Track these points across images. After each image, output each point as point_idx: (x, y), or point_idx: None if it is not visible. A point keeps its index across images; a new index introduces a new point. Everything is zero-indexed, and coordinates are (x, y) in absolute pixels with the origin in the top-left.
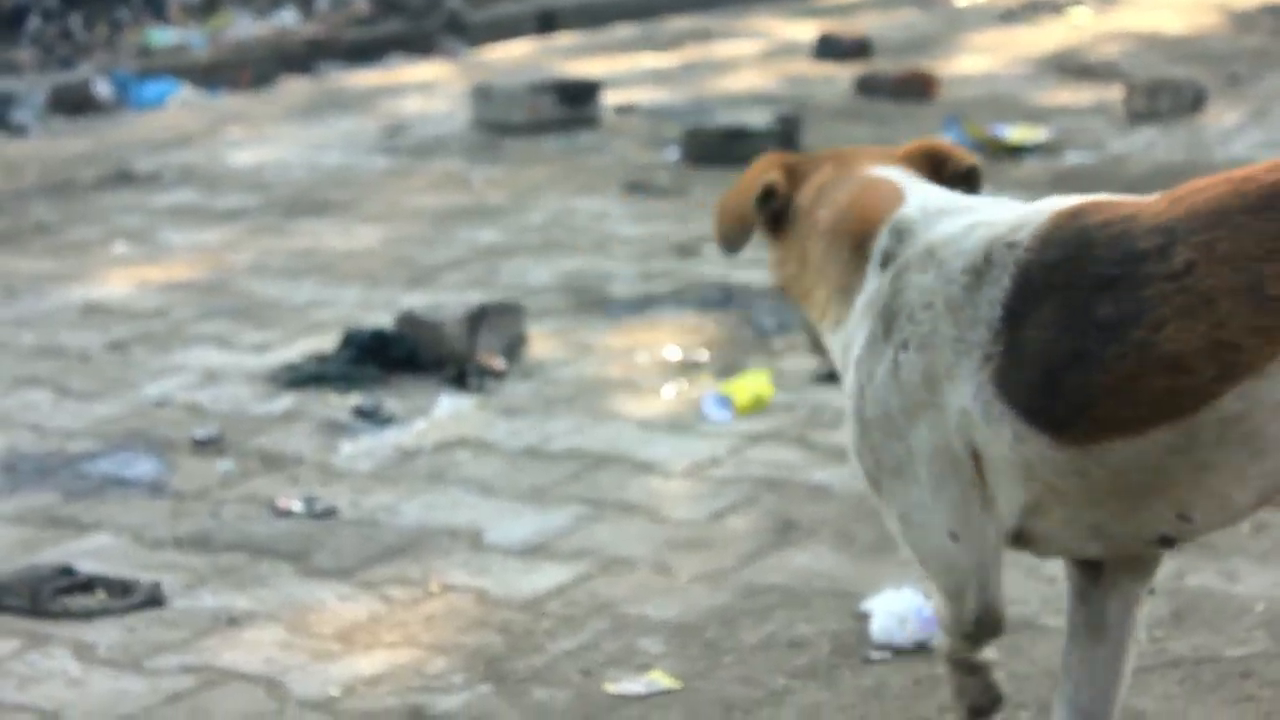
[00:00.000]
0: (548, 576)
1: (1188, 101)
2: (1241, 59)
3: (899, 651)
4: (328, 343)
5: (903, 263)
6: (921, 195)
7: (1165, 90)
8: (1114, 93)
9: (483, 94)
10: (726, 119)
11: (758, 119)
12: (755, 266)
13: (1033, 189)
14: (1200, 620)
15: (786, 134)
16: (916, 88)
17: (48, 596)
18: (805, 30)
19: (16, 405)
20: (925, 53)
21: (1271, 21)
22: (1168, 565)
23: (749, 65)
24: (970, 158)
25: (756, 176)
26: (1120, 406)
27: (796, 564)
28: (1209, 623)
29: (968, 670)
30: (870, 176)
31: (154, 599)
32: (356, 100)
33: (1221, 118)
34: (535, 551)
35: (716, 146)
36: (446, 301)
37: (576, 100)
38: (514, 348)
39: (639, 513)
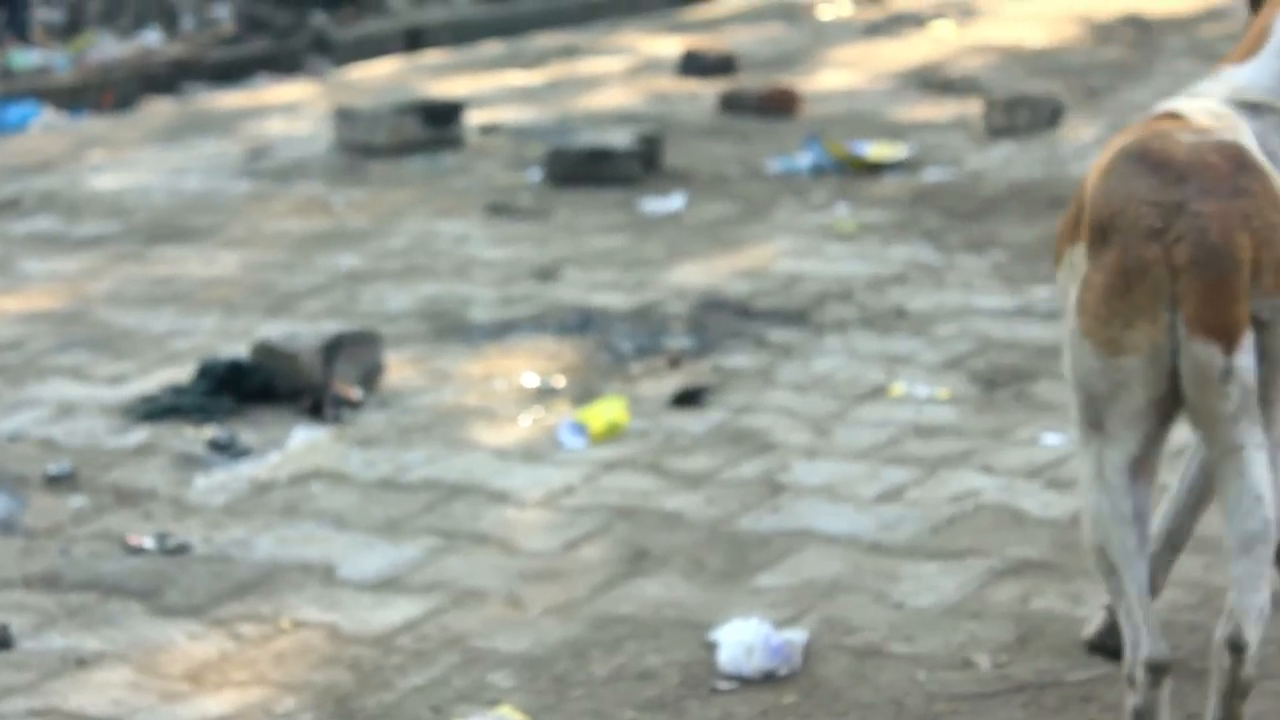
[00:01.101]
0: (399, 610)
1: (1045, 116)
2: (1100, 72)
3: (746, 681)
4: (185, 373)
5: None
6: None
7: (1023, 105)
8: (974, 108)
9: (345, 116)
10: (589, 139)
11: (620, 139)
12: (614, 290)
13: (891, 207)
14: (1044, 644)
15: (648, 154)
16: (780, 104)
17: None
18: (671, 46)
19: None
20: (790, 68)
21: (1131, 33)
22: (1012, 589)
23: (614, 83)
24: None
25: None
26: None
27: (648, 594)
28: (1053, 646)
29: None
30: None
31: (2, 641)
32: (220, 122)
33: (1078, 132)
34: (387, 585)
35: (579, 167)
36: (302, 331)
37: (440, 121)
38: (371, 377)
39: (492, 544)
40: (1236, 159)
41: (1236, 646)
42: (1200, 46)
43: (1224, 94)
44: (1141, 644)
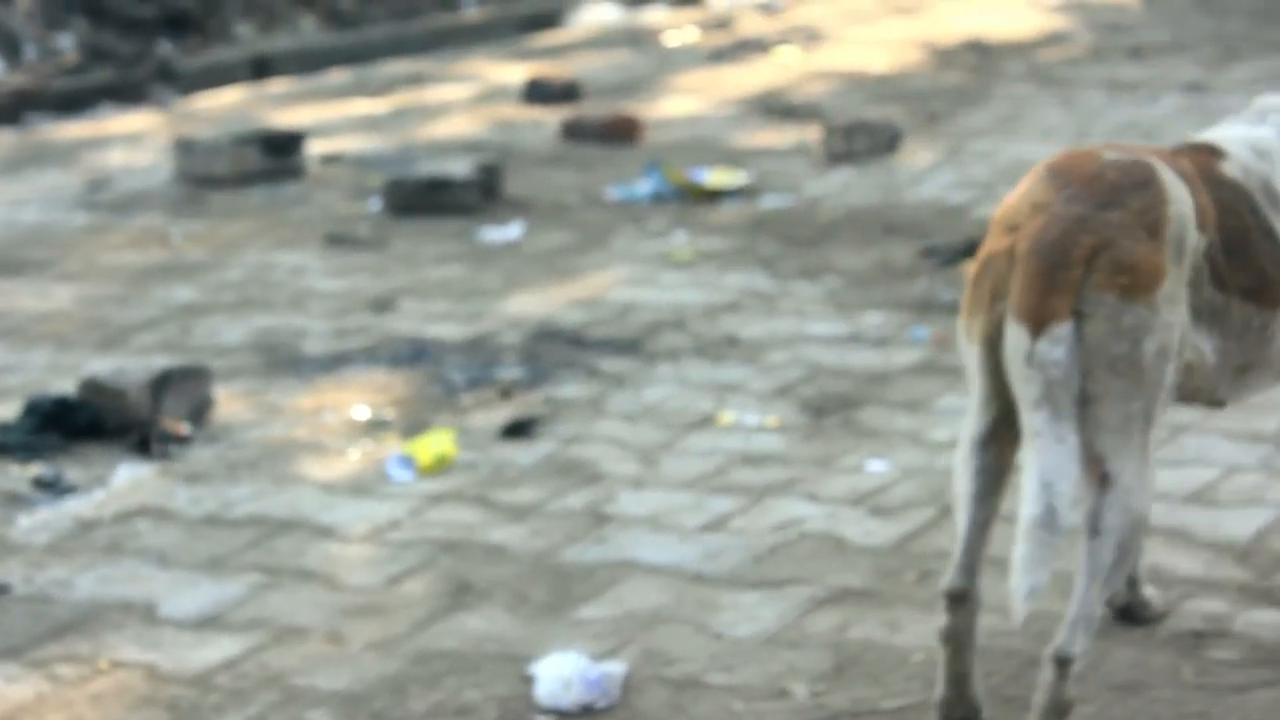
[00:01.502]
0: (219, 649)
1: (884, 142)
2: (941, 97)
3: (564, 715)
4: (11, 411)
5: None
6: None
7: (862, 131)
8: (814, 134)
9: (186, 147)
10: (428, 169)
11: (459, 168)
12: (449, 321)
13: (729, 233)
14: (861, 672)
15: (488, 183)
16: (622, 131)
17: None
18: (517, 74)
19: None
20: (635, 95)
21: (972, 58)
22: (832, 617)
23: (458, 111)
24: None
25: None
26: None
27: (469, 628)
28: (869, 674)
29: None
30: None
31: None
32: (61, 154)
33: (916, 158)
34: (208, 623)
35: (418, 197)
36: (131, 366)
37: (281, 151)
38: (200, 411)
39: (315, 580)
40: (1135, 179)
41: (1061, 660)
42: (1039, 70)
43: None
44: (947, 574)
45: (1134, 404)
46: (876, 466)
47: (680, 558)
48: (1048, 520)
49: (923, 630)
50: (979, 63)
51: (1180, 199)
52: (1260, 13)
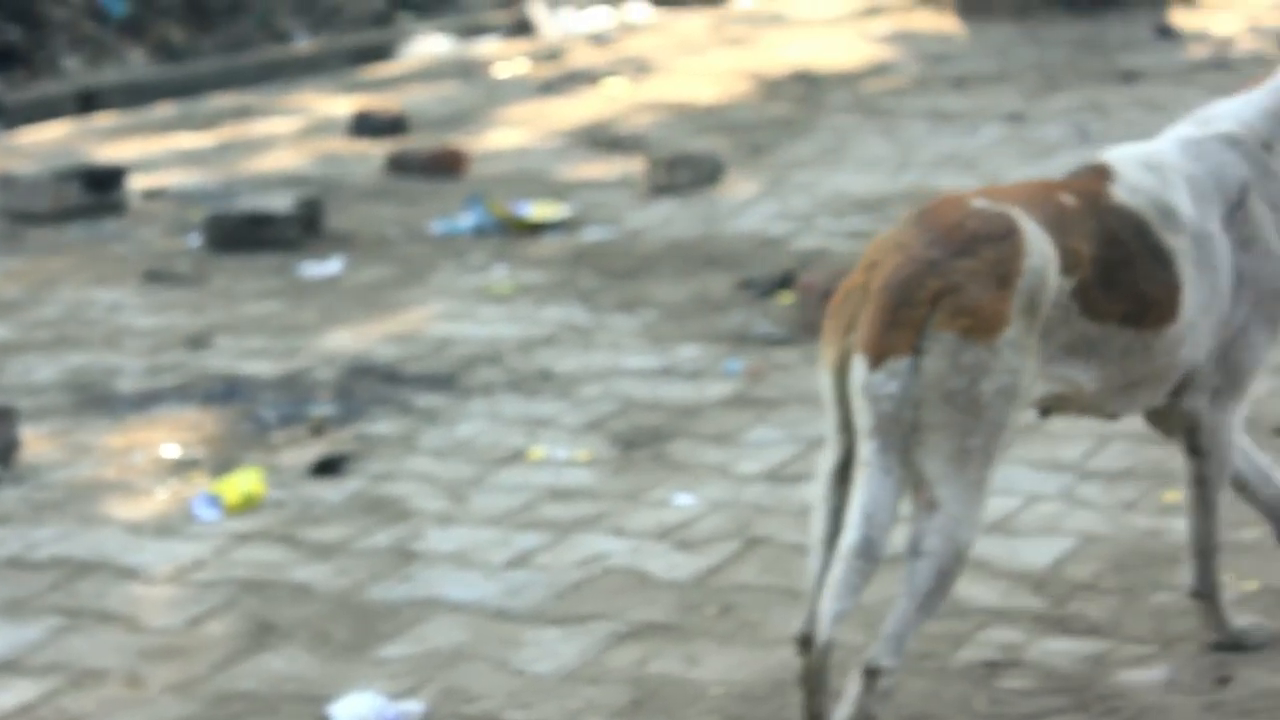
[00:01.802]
0: (15, 694)
1: (706, 174)
2: (766, 128)
3: None
4: None
5: None
6: None
7: (685, 163)
8: (638, 166)
9: (6, 183)
10: (249, 204)
11: (280, 203)
12: (264, 357)
13: (549, 267)
14: (658, 707)
15: (309, 217)
16: (447, 165)
17: None
18: (345, 106)
19: None
20: (462, 127)
21: (799, 89)
22: (632, 652)
23: (285, 144)
24: None
25: None
26: None
27: (270, 668)
28: (666, 709)
29: None
30: None
31: None
32: None
33: (738, 189)
34: (6, 667)
35: (239, 232)
36: None
37: (102, 186)
38: (6, 452)
39: (116, 622)
40: (994, 231)
41: (870, 671)
42: (864, 101)
43: (1199, 123)
44: (798, 618)
45: (970, 439)
46: (684, 500)
47: (484, 595)
48: (864, 549)
49: (721, 664)
50: (805, 94)
51: (1038, 252)
52: (1082, 43)
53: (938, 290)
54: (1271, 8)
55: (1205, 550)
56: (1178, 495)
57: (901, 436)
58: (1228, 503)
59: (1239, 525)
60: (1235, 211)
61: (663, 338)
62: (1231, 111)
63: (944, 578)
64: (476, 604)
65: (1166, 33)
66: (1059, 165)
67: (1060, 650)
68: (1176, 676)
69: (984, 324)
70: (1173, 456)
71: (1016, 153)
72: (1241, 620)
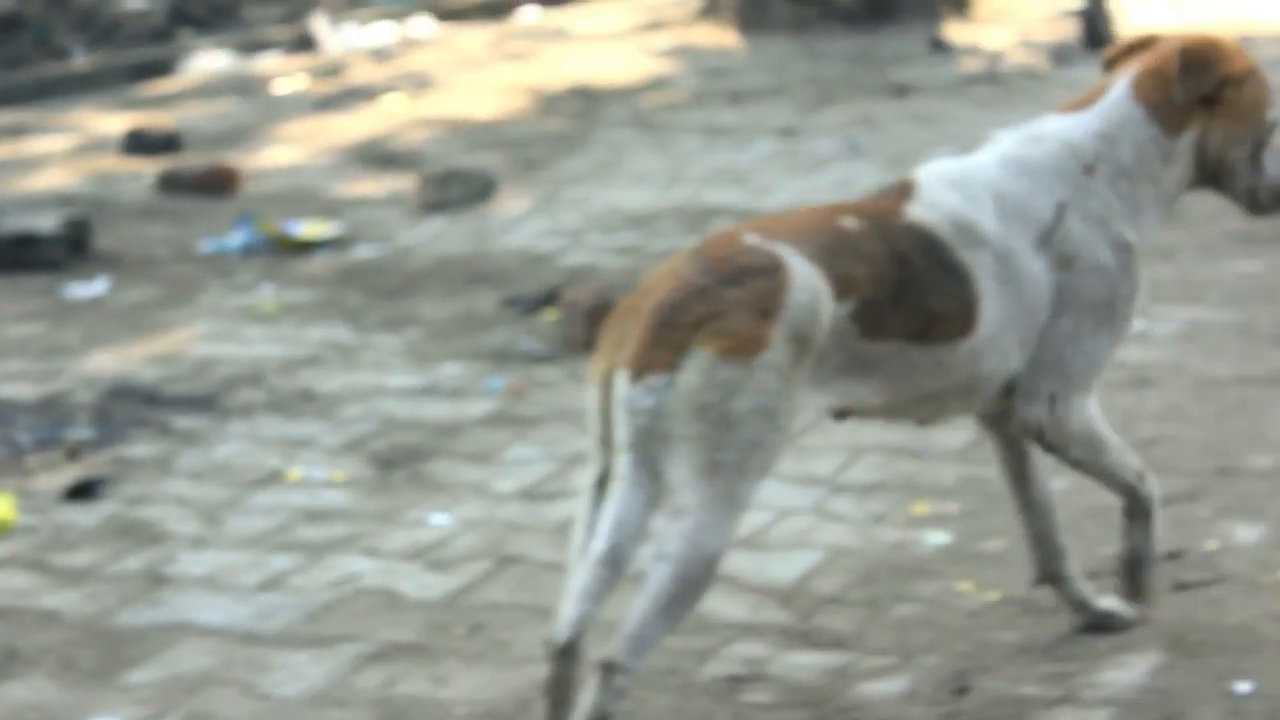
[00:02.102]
0: None
1: (478, 190)
2: (541, 144)
3: None
4: None
5: None
6: None
7: (457, 179)
8: (410, 182)
9: None
10: (14, 224)
11: (46, 223)
12: (23, 380)
13: (317, 286)
14: None
15: (76, 237)
16: (218, 183)
17: None
18: (119, 124)
19: None
20: (237, 144)
21: (577, 104)
22: (380, 674)
23: (55, 163)
24: None
25: None
26: None
27: (14, 697)
28: None
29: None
30: None
31: None
32: None
33: (510, 206)
34: None
35: (2, 253)
36: None
37: None
38: None
39: None
40: (761, 265)
41: (605, 665)
42: (641, 116)
43: (1024, 140)
44: (552, 628)
45: (721, 453)
46: (439, 519)
47: (234, 618)
48: (610, 557)
49: (469, 684)
50: (582, 109)
51: (804, 287)
52: (857, 57)
53: (702, 315)
54: (1043, 21)
55: (1142, 516)
56: (926, 507)
57: (656, 451)
58: (972, 512)
59: (983, 536)
60: (1051, 235)
61: (426, 356)
62: (1058, 130)
63: (685, 583)
64: (226, 628)
65: (940, 46)
66: (828, 179)
67: (804, 663)
68: (916, 688)
69: (741, 345)
70: (923, 470)
71: (787, 167)
72: (1107, 602)
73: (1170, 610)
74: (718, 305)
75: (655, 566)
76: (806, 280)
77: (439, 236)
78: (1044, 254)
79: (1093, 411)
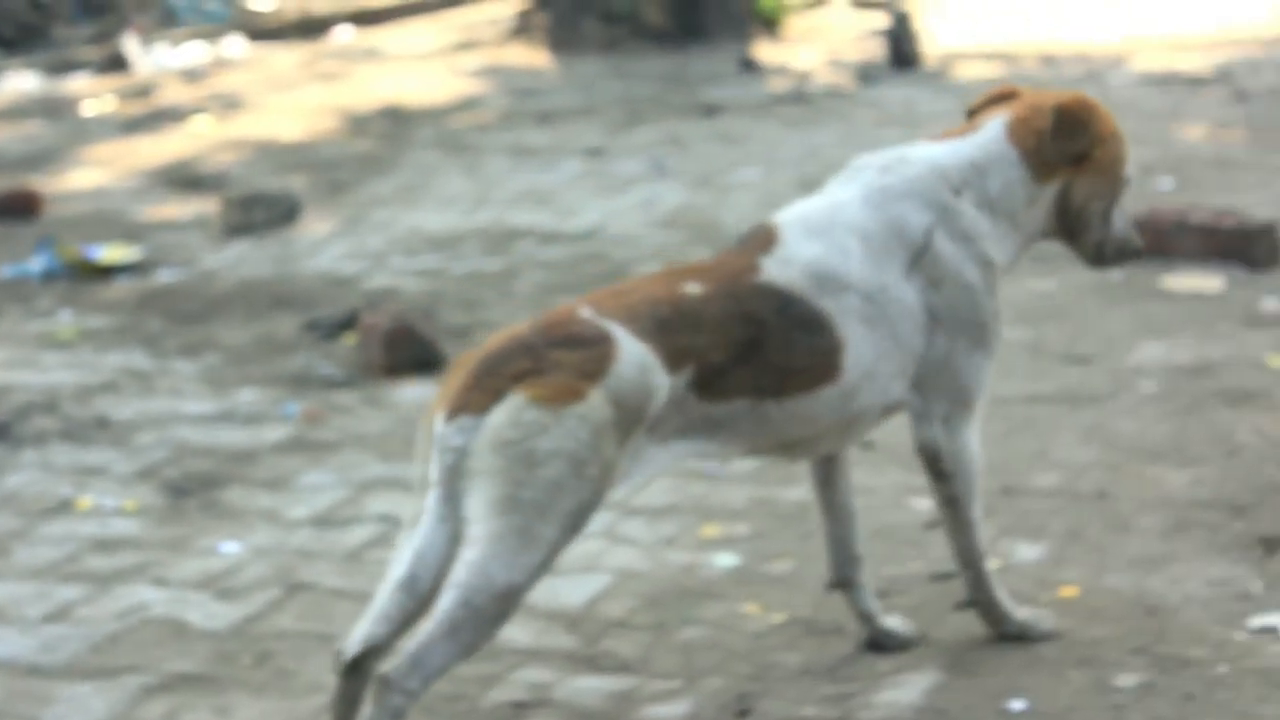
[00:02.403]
0: None
1: (283, 213)
2: (349, 166)
3: None
4: None
5: None
6: None
7: (261, 202)
8: (215, 205)
9: None
10: None
11: None
12: None
13: (116, 311)
14: None
15: None
16: (21, 206)
17: None
18: None
19: None
20: (42, 167)
21: (386, 125)
22: (163, 705)
23: None
24: None
25: None
26: None
27: None
28: None
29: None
30: None
31: None
32: None
33: (314, 228)
34: None
35: None
36: None
37: None
38: None
39: None
40: (590, 336)
41: (383, 680)
42: (450, 137)
43: (884, 169)
44: (345, 642)
45: (519, 489)
46: (229, 548)
47: (18, 651)
48: (409, 584)
49: (253, 714)
50: (391, 130)
51: (630, 361)
52: (667, 77)
53: (525, 369)
54: (850, 42)
55: (971, 562)
56: (716, 530)
57: (460, 486)
58: (760, 534)
59: (770, 557)
60: (920, 257)
61: (223, 382)
62: (926, 155)
63: (469, 610)
64: (10, 661)
65: (749, 66)
66: (634, 199)
67: (589, 688)
68: (699, 710)
69: (553, 394)
70: (714, 492)
71: (594, 187)
72: (1023, 612)
73: (949, 630)
74: (541, 363)
75: (445, 593)
76: (634, 356)
77: (242, 260)
78: (915, 278)
79: (976, 447)
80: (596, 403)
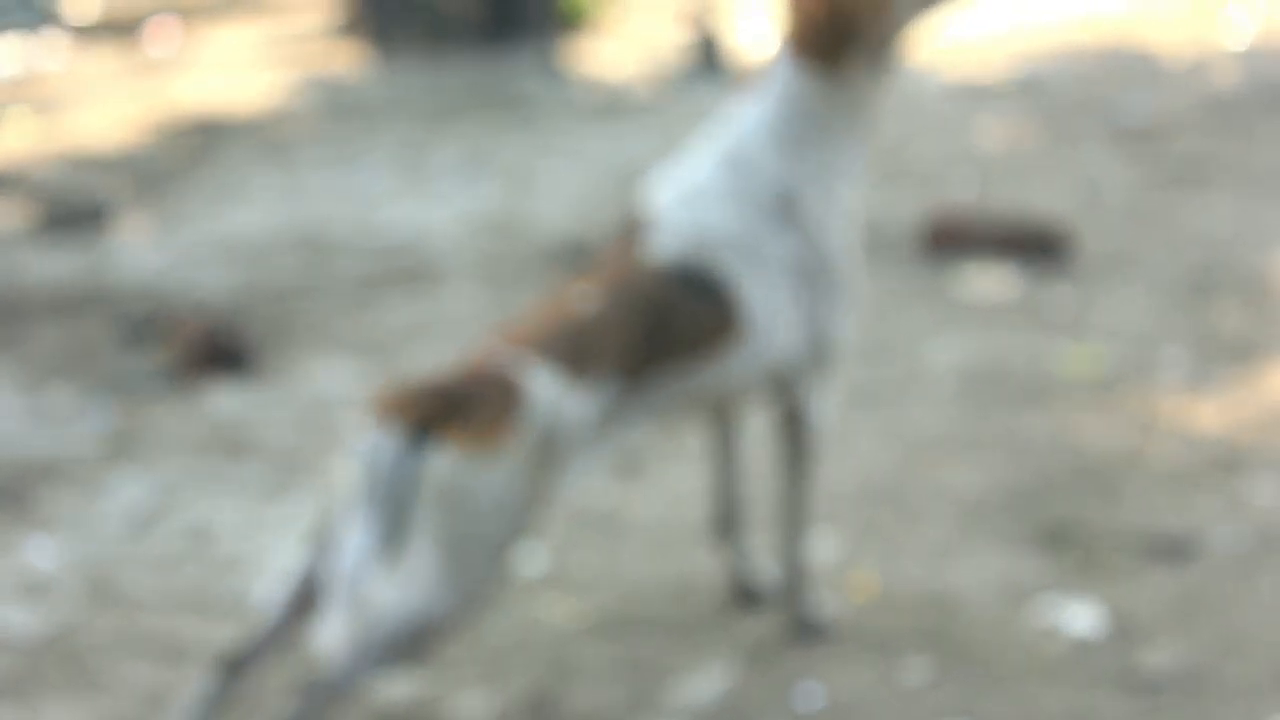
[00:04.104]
0: None
1: (94, 216)
2: (162, 169)
3: None
4: None
5: None
6: None
7: (72, 206)
8: (25, 208)
9: None
10: None
11: None
12: None
13: None
14: None
15: None
16: None
17: None
18: None
19: None
20: None
21: (201, 128)
22: None
23: None
24: None
25: None
26: None
27: None
28: None
29: None
30: None
31: None
32: None
33: (126, 233)
34: None
35: None
36: None
37: None
38: None
39: None
40: (504, 373)
41: (304, 686)
42: (266, 141)
43: (727, 130)
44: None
45: (453, 533)
46: (39, 553)
47: None
48: (301, 599)
49: (63, 716)
50: (206, 133)
51: (540, 400)
52: (481, 77)
53: (448, 413)
54: (662, 45)
55: (802, 522)
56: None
57: (392, 504)
58: (570, 541)
59: (578, 562)
60: (782, 207)
61: (33, 386)
62: (755, 114)
63: (393, 633)
64: None
65: (560, 68)
66: (448, 199)
67: (393, 690)
68: (503, 709)
69: (478, 438)
70: None
71: (407, 187)
72: (827, 608)
73: (751, 619)
74: (493, 396)
75: (363, 617)
76: (542, 393)
77: (51, 265)
78: (787, 231)
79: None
80: (523, 439)
